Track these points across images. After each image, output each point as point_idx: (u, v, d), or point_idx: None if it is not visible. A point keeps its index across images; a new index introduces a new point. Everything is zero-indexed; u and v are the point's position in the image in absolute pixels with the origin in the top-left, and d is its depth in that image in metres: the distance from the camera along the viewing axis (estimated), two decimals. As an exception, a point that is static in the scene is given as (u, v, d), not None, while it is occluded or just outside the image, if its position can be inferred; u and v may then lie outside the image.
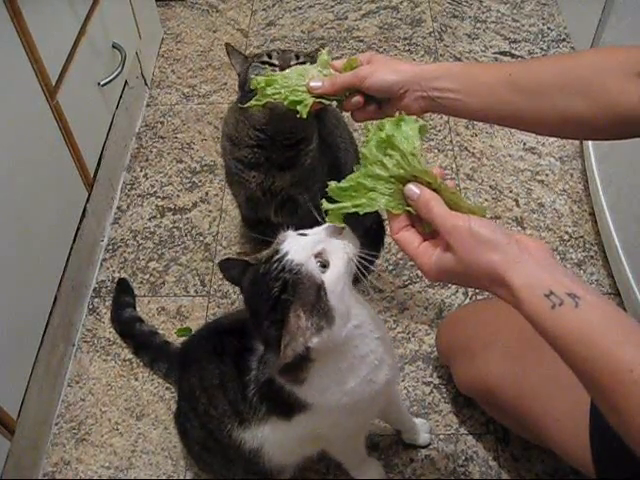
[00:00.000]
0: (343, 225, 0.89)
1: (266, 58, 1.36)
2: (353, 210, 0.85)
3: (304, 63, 1.36)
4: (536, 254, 0.73)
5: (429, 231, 0.81)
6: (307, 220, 1.43)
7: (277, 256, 0.90)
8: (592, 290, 0.69)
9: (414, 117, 0.85)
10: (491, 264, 0.72)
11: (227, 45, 1.43)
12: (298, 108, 0.98)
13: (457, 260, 0.75)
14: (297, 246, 0.90)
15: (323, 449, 1.25)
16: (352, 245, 0.91)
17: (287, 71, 1.03)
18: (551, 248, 1.75)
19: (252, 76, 1.29)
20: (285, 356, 0.86)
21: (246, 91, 1.36)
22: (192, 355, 1.26)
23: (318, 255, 0.89)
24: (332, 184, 0.86)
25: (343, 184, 0.85)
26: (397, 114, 0.85)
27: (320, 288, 0.87)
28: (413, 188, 0.80)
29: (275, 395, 1.02)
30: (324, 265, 0.89)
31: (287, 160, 1.44)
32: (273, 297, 0.88)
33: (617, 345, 0.64)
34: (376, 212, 0.88)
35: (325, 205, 0.86)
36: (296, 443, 1.12)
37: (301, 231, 0.94)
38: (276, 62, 1.35)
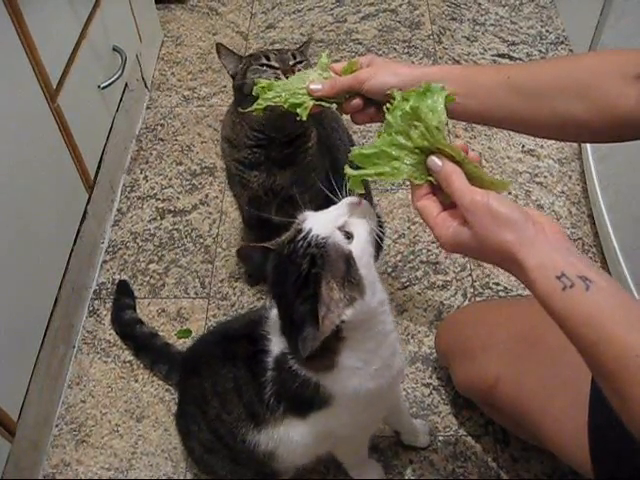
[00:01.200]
0: (363, 192, 0.89)
1: (264, 60, 1.36)
2: (375, 177, 0.85)
3: (301, 62, 1.37)
4: (551, 235, 0.73)
5: (449, 202, 0.81)
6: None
7: (301, 234, 0.91)
8: (604, 274, 0.70)
9: (440, 85, 0.85)
10: (505, 242, 0.72)
11: (218, 45, 1.43)
12: (298, 111, 0.98)
13: (473, 235, 0.75)
14: (320, 222, 0.91)
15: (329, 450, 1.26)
16: (371, 215, 0.93)
17: (289, 79, 1.04)
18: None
19: (254, 79, 1.31)
20: (325, 328, 0.85)
21: (245, 94, 1.36)
22: (200, 360, 1.26)
23: (341, 228, 0.90)
24: (355, 149, 0.87)
25: (367, 150, 0.86)
26: (423, 84, 0.85)
27: (349, 257, 0.88)
28: (436, 160, 0.81)
29: (295, 393, 1.02)
30: (348, 237, 0.90)
31: (287, 158, 1.44)
32: (303, 274, 0.89)
33: (625, 330, 0.65)
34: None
35: (347, 171, 0.86)
36: (310, 443, 1.12)
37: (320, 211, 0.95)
38: (275, 64, 1.35)
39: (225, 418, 1.16)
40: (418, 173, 0.83)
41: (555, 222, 0.77)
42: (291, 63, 1.36)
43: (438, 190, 0.83)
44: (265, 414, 1.09)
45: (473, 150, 0.84)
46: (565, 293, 0.68)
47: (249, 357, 1.10)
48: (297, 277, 0.89)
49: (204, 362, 1.23)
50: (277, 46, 2.36)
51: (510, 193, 1.89)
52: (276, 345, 1.05)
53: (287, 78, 1.27)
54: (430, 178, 0.82)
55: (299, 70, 1.34)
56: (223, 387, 1.15)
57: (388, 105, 0.87)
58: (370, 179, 0.87)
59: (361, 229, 0.91)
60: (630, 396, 0.63)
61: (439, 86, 0.85)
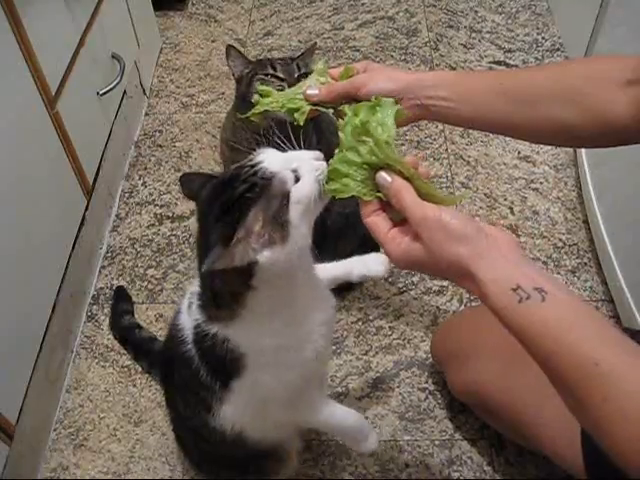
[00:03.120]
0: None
1: (271, 70, 1.38)
2: (330, 194, 0.85)
3: (306, 75, 1.38)
4: (505, 248, 0.73)
5: (399, 219, 0.80)
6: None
7: (250, 163, 0.89)
8: (559, 285, 0.70)
9: (391, 100, 0.85)
10: (459, 257, 0.72)
11: (228, 47, 1.44)
12: (295, 116, 0.99)
13: (425, 251, 0.75)
14: (274, 158, 0.89)
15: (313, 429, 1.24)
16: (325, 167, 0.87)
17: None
18: (546, 255, 1.76)
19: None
20: (235, 250, 0.82)
21: (247, 101, 1.38)
22: (163, 366, 1.28)
23: (294, 171, 0.87)
24: None
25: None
26: (373, 98, 0.85)
27: (285, 197, 0.85)
28: (385, 176, 0.80)
29: (213, 360, 1.00)
30: (296, 180, 0.87)
31: None
32: (236, 196, 0.85)
33: (583, 339, 0.65)
34: None
35: None
36: (257, 413, 1.08)
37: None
38: (281, 75, 1.37)
39: (190, 414, 1.16)
40: (367, 189, 0.82)
41: (508, 234, 0.77)
42: (296, 75, 1.38)
43: (388, 206, 0.82)
44: (210, 397, 1.07)
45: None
46: (521, 305, 0.68)
47: (180, 351, 1.08)
48: (228, 198, 0.86)
49: (166, 367, 1.25)
50: (275, 53, 2.38)
51: (506, 199, 1.90)
52: (188, 324, 1.05)
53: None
54: (379, 194, 0.82)
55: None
56: (178, 385, 1.17)
57: (340, 121, 0.87)
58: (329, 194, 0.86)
59: (309, 178, 0.86)
60: (591, 404, 0.63)
61: (390, 100, 0.85)
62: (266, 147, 1.38)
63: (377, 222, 0.81)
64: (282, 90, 1.28)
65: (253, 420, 1.10)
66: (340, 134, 0.85)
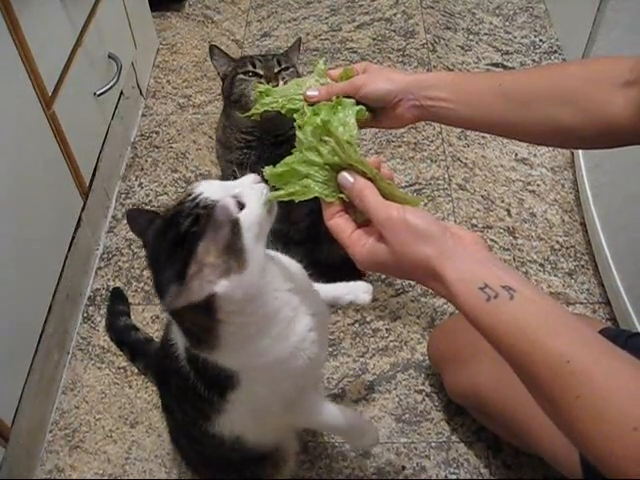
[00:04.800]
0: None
1: (250, 67, 1.39)
2: (288, 198, 0.83)
3: (287, 69, 1.39)
4: (470, 247, 0.72)
5: (362, 220, 0.80)
6: (302, 220, 1.46)
7: (190, 197, 0.86)
8: (527, 282, 0.69)
9: (352, 101, 0.84)
10: (425, 257, 0.71)
11: (211, 46, 1.46)
12: (295, 116, 0.99)
13: (390, 252, 0.74)
14: (212, 188, 0.86)
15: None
16: (267, 188, 0.87)
17: (287, 85, 1.05)
18: (543, 257, 1.76)
19: (242, 89, 1.35)
20: (191, 286, 0.79)
21: (231, 100, 1.40)
22: (160, 374, 1.27)
23: (234, 196, 0.85)
24: (267, 169, 0.85)
25: (278, 169, 0.84)
26: (334, 99, 0.84)
27: (235, 224, 0.83)
28: (347, 176, 0.79)
29: (207, 376, 0.99)
30: (241, 207, 0.85)
31: (278, 159, 1.45)
32: (182, 231, 0.82)
33: (553, 337, 0.64)
34: None
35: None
36: (255, 419, 1.08)
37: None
38: (260, 72, 1.38)
39: (187, 421, 1.17)
40: (329, 190, 0.81)
41: (474, 233, 0.76)
42: (276, 70, 1.39)
43: (350, 208, 0.81)
44: (207, 408, 1.06)
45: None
46: (489, 304, 0.67)
47: (174, 367, 1.07)
48: (175, 235, 0.83)
49: (159, 376, 1.26)
50: (272, 54, 2.38)
51: (503, 201, 1.90)
52: (180, 342, 1.04)
53: (272, 86, 1.31)
54: (342, 195, 0.80)
55: (284, 77, 1.39)
56: (174, 394, 1.17)
57: (298, 121, 0.85)
58: (285, 199, 0.84)
59: (255, 200, 0.85)
60: (562, 402, 0.63)
61: (350, 101, 0.84)
62: (254, 145, 1.39)
63: (340, 224, 0.80)
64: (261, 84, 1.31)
65: (251, 425, 1.10)
66: (298, 134, 0.84)
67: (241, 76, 1.40)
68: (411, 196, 0.79)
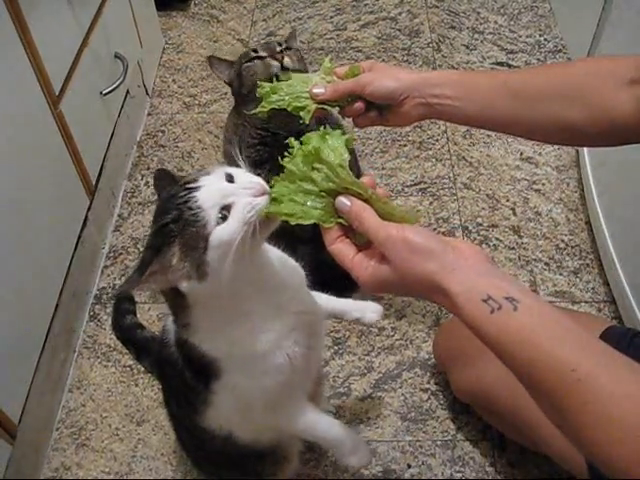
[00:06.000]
0: None
1: (253, 54, 1.41)
2: (285, 218, 0.82)
3: (290, 49, 1.40)
4: (472, 260, 0.73)
5: (363, 242, 0.80)
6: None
7: (190, 185, 0.86)
8: (529, 293, 0.69)
9: (339, 131, 0.84)
10: (427, 273, 0.71)
11: (208, 58, 1.48)
12: (301, 114, 0.99)
13: (393, 271, 0.74)
14: (210, 189, 0.85)
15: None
16: (263, 205, 0.84)
17: (291, 80, 1.05)
18: (548, 256, 1.76)
19: (251, 77, 1.38)
20: (146, 281, 0.83)
21: (244, 94, 1.41)
22: (158, 366, 1.28)
23: (225, 208, 0.83)
24: (275, 179, 0.84)
25: (273, 194, 0.84)
26: (322, 129, 0.84)
27: (206, 239, 0.82)
28: (344, 200, 0.79)
29: (195, 362, 1.00)
30: (223, 219, 0.83)
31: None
32: (165, 222, 0.84)
33: (558, 345, 0.64)
34: None
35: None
36: (241, 415, 1.08)
37: (233, 170, 0.90)
38: (263, 53, 1.39)
39: (181, 414, 1.18)
40: (327, 216, 0.81)
41: (474, 246, 0.76)
42: (278, 49, 1.40)
43: (350, 232, 0.81)
44: (195, 399, 1.07)
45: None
46: (493, 316, 0.67)
47: (166, 354, 1.09)
48: (159, 221, 0.86)
49: (157, 368, 1.28)
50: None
51: (508, 200, 1.90)
52: (172, 327, 1.06)
53: (277, 62, 1.35)
54: (340, 220, 0.80)
55: (289, 56, 1.40)
56: (169, 385, 1.19)
57: (287, 154, 0.85)
58: (282, 218, 0.83)
59: (235, 221, 0.83)
60: (568, 409, 0.63)
61: (338, 132, 0.84)
62: (268, 141, 1.38)
63: (341, 249, 0.80)
64: (270, 66, 1.34)
65: (238, 422, 1.10)
66: (288, 165, 0.83)
67: (247, 64, 1.41)
68: (409, 213, 0.79)
